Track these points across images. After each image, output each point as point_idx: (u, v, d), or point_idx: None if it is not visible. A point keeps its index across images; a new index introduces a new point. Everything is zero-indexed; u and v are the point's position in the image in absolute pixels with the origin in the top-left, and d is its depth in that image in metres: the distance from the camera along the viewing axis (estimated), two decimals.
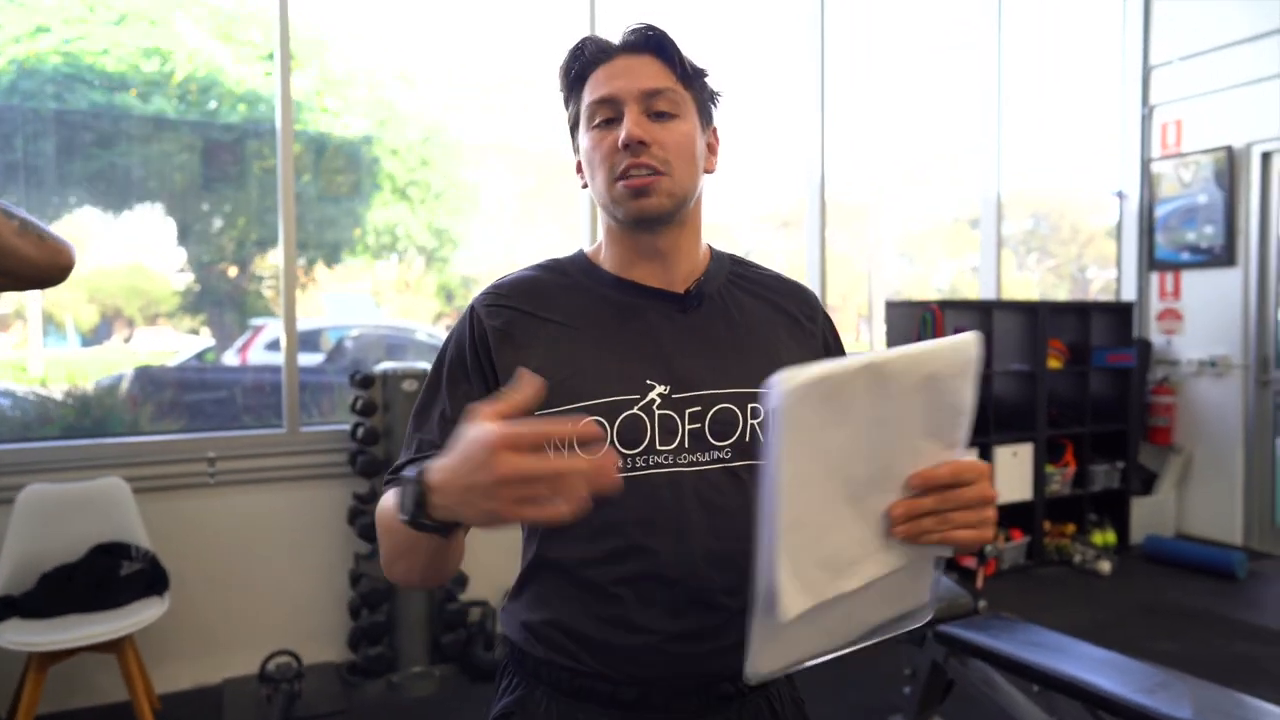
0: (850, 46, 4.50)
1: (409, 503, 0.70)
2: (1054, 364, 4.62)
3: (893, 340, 4.35)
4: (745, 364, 0.94)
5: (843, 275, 5.30)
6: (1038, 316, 4.48)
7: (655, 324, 0.94)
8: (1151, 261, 5.27)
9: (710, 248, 1.04)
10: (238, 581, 3.13)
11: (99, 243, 3.53)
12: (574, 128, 0.98)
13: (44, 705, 2.70)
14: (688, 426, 0.89)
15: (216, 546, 3.10)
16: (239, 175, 3.50)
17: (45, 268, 1.12)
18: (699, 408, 0.90)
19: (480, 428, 0.62)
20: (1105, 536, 4.71)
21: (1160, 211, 5.22)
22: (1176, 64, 5.14)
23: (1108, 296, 5.53)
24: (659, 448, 0.89)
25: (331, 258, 3.89)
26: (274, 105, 3.27)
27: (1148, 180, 5.28)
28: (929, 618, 0.77)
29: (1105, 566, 4.34)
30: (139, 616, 2.59)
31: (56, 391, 3.37)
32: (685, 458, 0.89)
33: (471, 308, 0.97)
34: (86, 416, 3.36)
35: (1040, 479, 4.49)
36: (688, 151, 0.93)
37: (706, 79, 0.98)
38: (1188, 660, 3.27)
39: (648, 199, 0.90)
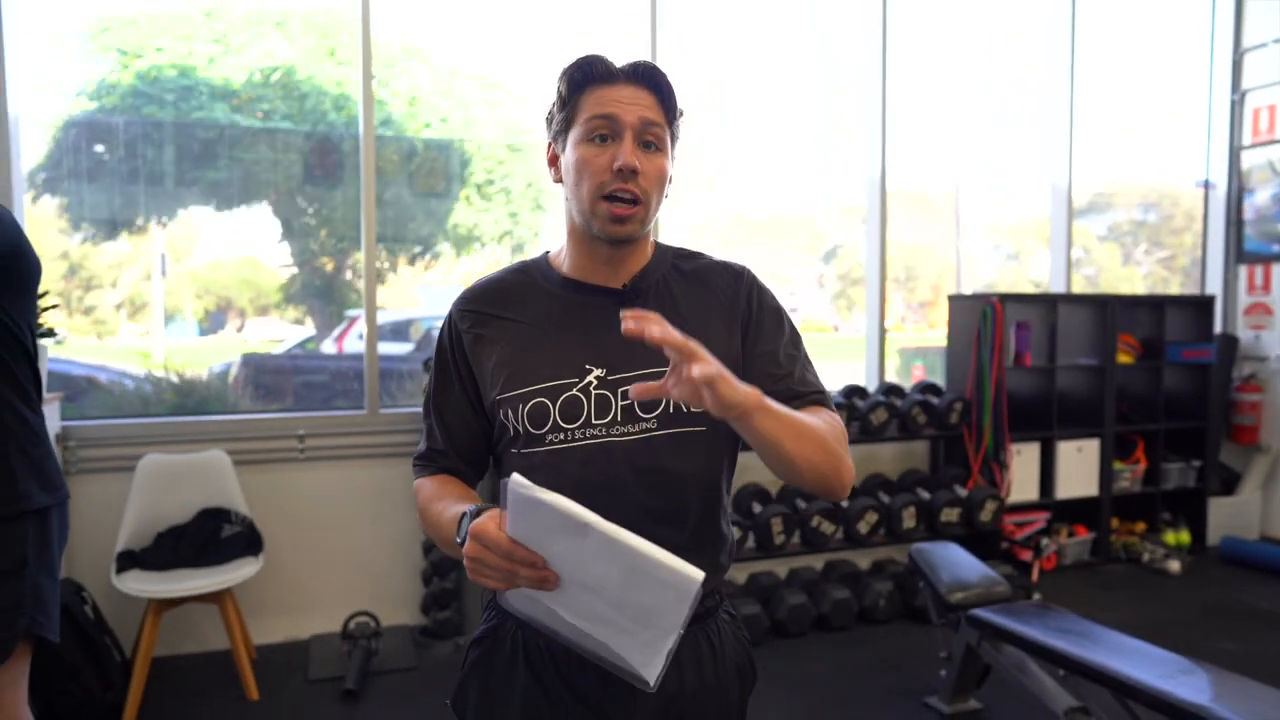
0: (923, 33, 4.51)
1: (462, 535, 0.94)
2: (1124, 359, 4.53)
3: (954, 332, 4.37)
4: None
5: (931, 267, 5.30)
6: (1107, 310, 4.40)
7: (596, 317, 1.09)
8: (1240, 254, 5.08)
9: (656, 244, 1.18)
10: (323, 547, 3.46)
11: (213, 239, 3.93)
12: (561, 128, 1.09)
13: (160, 649, 3.07)
14: (620, 403, 1.05)
15: (305, 515, 3.43)
16: (334, 177, 3.82)
17: None
18: (629, 387, 1.05)
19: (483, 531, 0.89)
20: (1179, 536, 4.59)
21: (1249, 202, 5.02)
22: (1271, 46, 4.93)
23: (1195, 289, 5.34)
24: (595, 422, 1.04)
25: (421, 252, 4.18)
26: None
27: (1237, 169, 5.08)
28: (650, 690, 0.92)
29: (1174, 566, 4.25)
30: (238, 573, 2.92)
31: (175, 375, 3.77)
32: (617, 429, 1.04)
33: (449, 314, 1.16)
34: (197, 397, 3.75)
35: (1107, 475, 4.42)
36: (661, 184, 1.07)
37: (682, 118, 1.12)
38: (1247, 661, 3.20)
39: (624, 225, 1.04)
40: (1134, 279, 5.59)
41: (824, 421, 1.03)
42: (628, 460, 1.04)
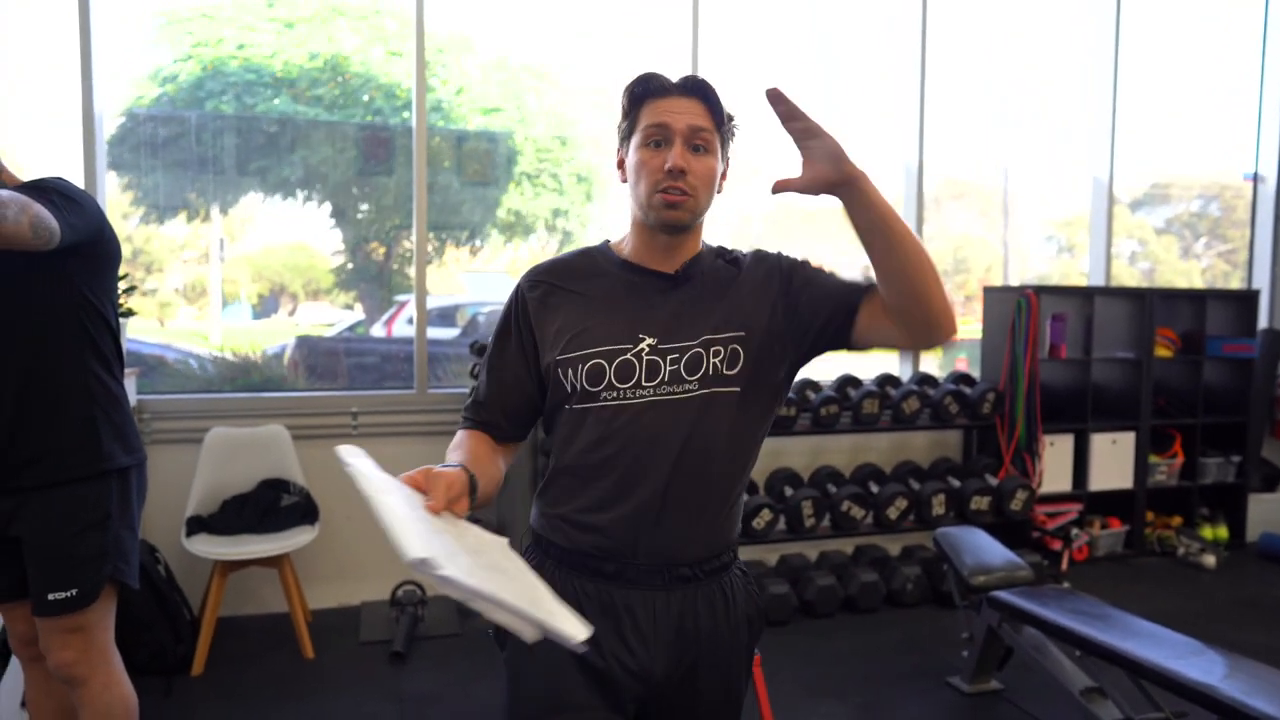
0: (969, 19, 4.54)
1: None
2: (1163, 353, 4.52)
3: (989, 323, 4.41)
4: (712, 320, 1.22)
5: (982, 260, 5.32)
6: (1145, 303, 4.40)
7: (650, 295, 1.25)
8: None
9: (703, 242, 1.32)
10: (374, 519, 3.64)
11: (266, 225, 4.13)
12: (625, 135, 1.27)
13: (224, 610, 3.29)
14: (668, 368, 1.20)
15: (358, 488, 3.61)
16: (387, 165, 4.00)
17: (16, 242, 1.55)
18: (677, 354, 1.20)
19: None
20: (1216, 531, 4.58)
21: None
22: None
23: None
24: (644, 383, 1.19)
25: (469, 239, 4.34)
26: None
27: None
28: (534, 639, 0.90)
29: (1209, 560, 4.24)
30: (296, 540, 3.13)
31: (234, 356, 4.00)
32: (665, 389, 1.19)
33: (519, 285, 1.31)
34: (257, 376, 3.97)
35: (1142, 468, 4.43)
36: (710, 182, 1.22)
37: (733, 122, 1.27)
38: (1277, 653, 3.22)
39: (676, 212, 1.20)
40: (1192, 273, 5.51)
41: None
42: (672, 417, 1.19)
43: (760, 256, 1.31)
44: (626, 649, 1.20)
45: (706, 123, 1.21)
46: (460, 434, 1.28)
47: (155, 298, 3.99)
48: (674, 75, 1.23)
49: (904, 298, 1.11)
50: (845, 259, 5.17)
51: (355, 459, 0.95)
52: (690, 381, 1.19)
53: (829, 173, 1.05)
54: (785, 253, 1.31)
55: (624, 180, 1.27)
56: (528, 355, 1.27)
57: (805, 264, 1.28)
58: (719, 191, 1.27)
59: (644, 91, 1.22)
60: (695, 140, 1.20)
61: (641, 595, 1.21)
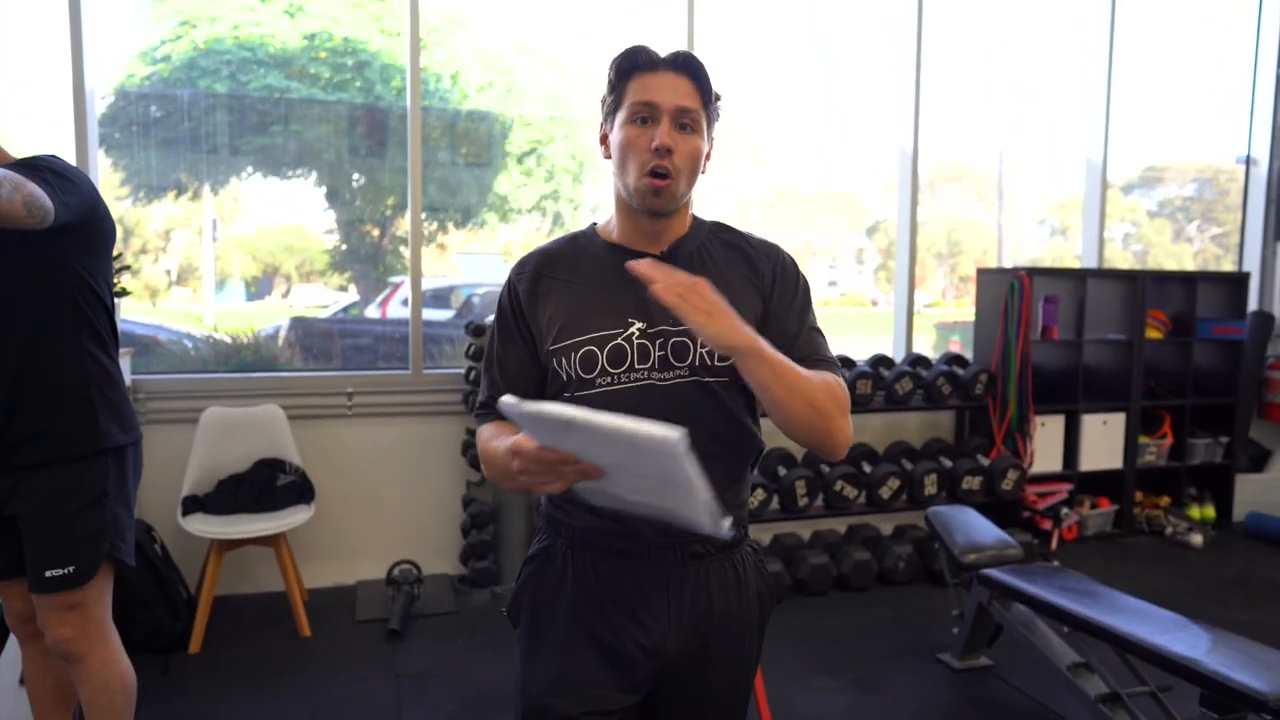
0: (961, 8, 4.53)
1: None
2: (1154, 334, 4.55)
3: (981, 306, 4.43)
4: None
5: (977, 243, 5.33)
6: (1137, 285, 4.42)
7: (638, 278, 1.21)
8: (1279, 231, 5.03)
9: (694, 217, 1.31)
10: (370, 498, 3.67)
11: (260, 206, 4.11)
12: (611, 110, 1.26)
13: (220, 588, 3.31)
14: (657, 353, 1.20)
15: (353, 468, 3.64)
16: (381, 147, 3.98)
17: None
18: (663, 339, 1.20)
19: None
20: (1204, 511, 4.63)
21: None
22: None
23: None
24: (637, 366, 1.19)
25: (463, 221, 4.32)
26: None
27: None
28: (718, 534, 1.00)
29: (1197, 539, 4.30)
30: (292, 519, 3.14)
31: (228, 337, 3.99)
32: (656, 374, 1.20)
33: (509, 277, 1.31)
34: (251, 356, 3.97)
35: (1132, 449, 4.47)
36: (695, 162, 1.21)
37: (720, 101, 1.26)
38: (1261, 629, 3.27)
39: (660, 198, 1.18)
40: (1184, 256, 5.53)
41: (822, 380, 1.15)
42: (666, 401, 1.19)
43: (768, 249, 1.30)
44: (640, 626, 1.21)
45: (694, 102, 1.19)
46: (488, 426, 1.27)
47: (144, 278, 3.98)
48: (662, 50, 1.21)
49: (796, 438, 1.17)
50: (843, 242, 5.19)
51: (528, 405, 0.94)
52: (679, 368, 1.20)
53: (716, 347, 1.08)
54: (793, 264, 1.30)
55: (607, 156, 1.26)
56: (528, 344, 1.27)
57: (796, 290, 1.27)
58: (703, 172, 1.25)
59: (631, 66, 1.21)
60: (682, 120, 1.18)
61: (654, 573, 1.22)
